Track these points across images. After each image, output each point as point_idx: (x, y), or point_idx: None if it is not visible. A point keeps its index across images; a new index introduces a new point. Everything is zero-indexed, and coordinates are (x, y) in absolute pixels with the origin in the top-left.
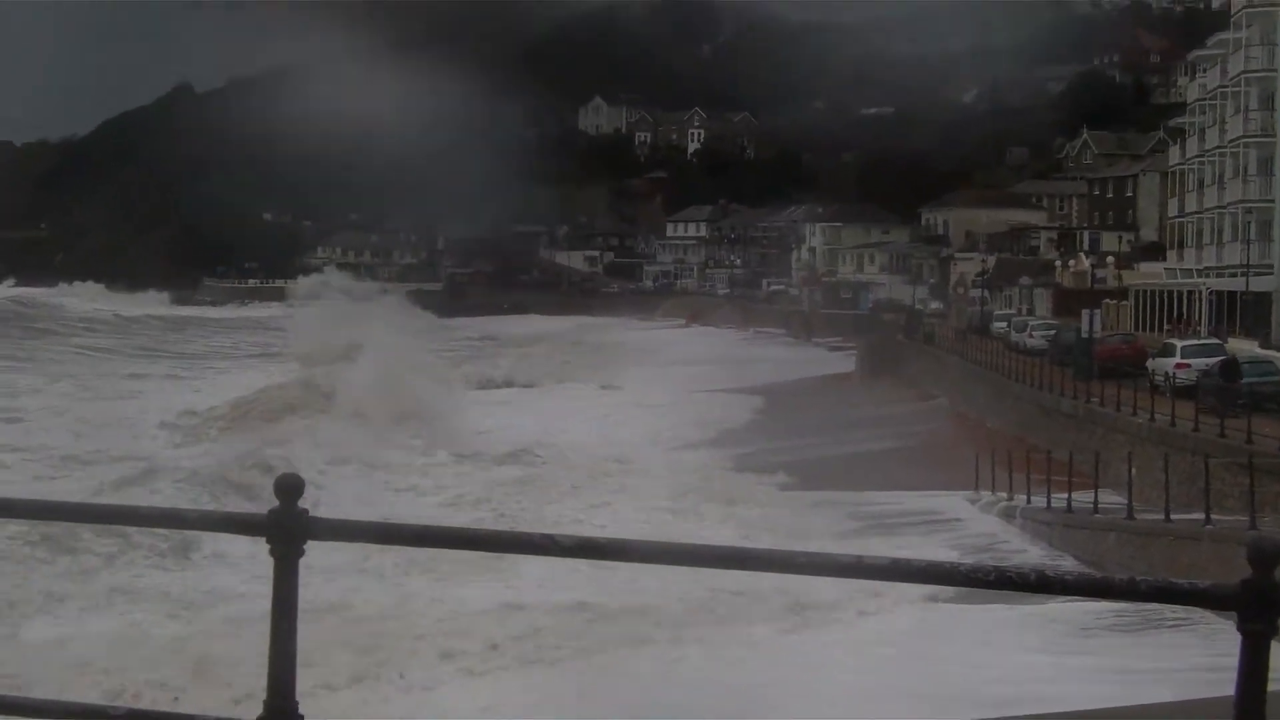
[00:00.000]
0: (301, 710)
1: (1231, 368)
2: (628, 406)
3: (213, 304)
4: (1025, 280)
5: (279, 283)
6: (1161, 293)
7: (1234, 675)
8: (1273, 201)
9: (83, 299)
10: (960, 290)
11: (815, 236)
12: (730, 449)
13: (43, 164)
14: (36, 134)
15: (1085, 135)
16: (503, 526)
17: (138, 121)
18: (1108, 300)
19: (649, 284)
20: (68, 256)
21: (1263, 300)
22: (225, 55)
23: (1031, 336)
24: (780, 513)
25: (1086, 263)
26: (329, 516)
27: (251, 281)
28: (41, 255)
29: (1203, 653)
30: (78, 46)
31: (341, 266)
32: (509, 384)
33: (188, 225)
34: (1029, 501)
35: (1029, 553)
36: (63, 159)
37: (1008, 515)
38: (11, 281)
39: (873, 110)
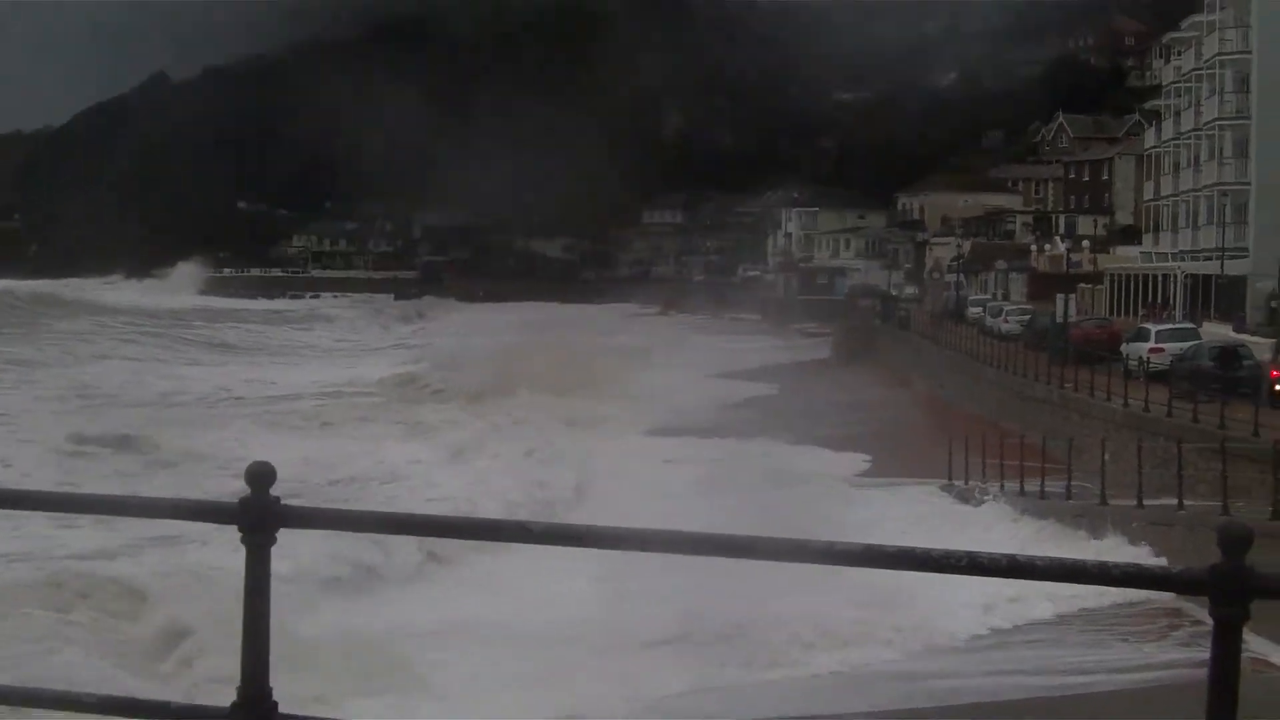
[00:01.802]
0: (275, 697)
1: (1230, 356)
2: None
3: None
4: (1001, 265)
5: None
6: (1136, 277)
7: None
8: (1248, 184)
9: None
10: (936, 275)
11: (791, 222)
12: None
13: (17, 155)
14: (10, 125)
15: (1060, 119)
16: None
17: (113, 111)
18: (1083, 285)
19: (624, 271)
20: (43, 248)
21: (1237, 284)
22: (201, 45)
23: (1006, 321)
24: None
25: (1062, 247)
26: (300, 504)
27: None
28: (16, 246)
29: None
30: (51, 36)
31: (317, 255)
32: None
33: (162, 215)
34: (1002, 488)
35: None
36: (38, 149)
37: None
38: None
39: (849, 95)
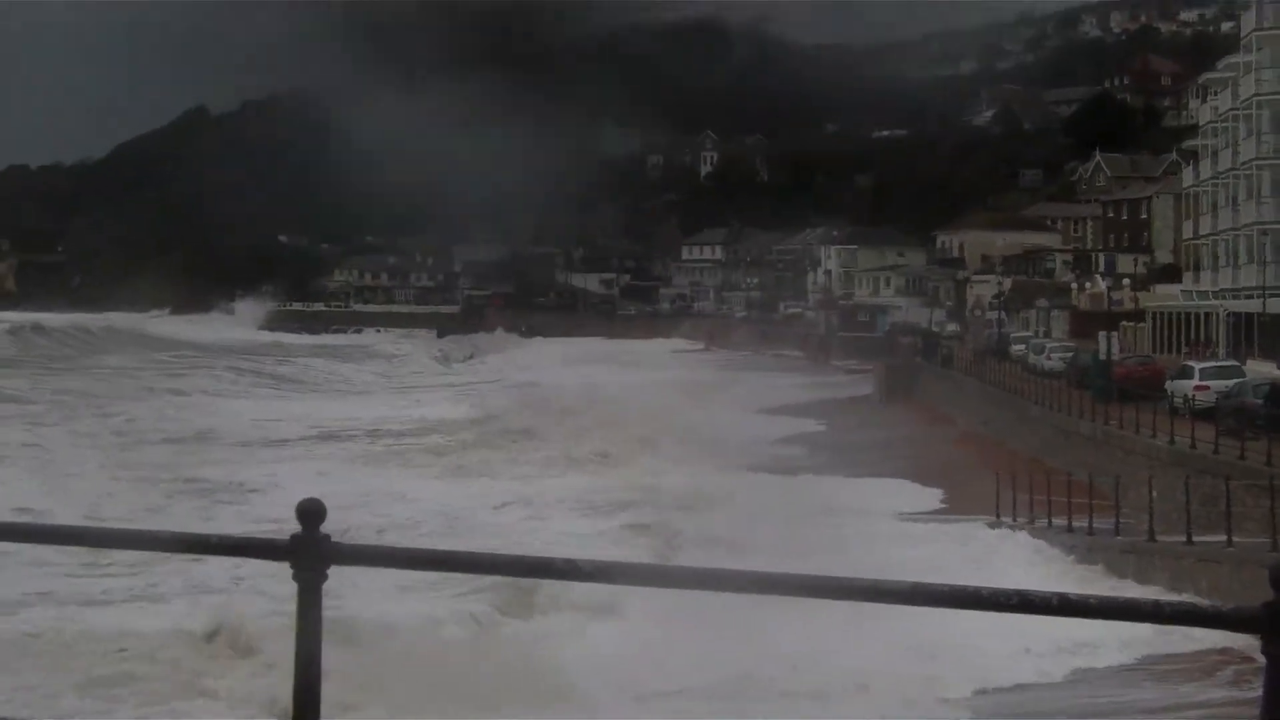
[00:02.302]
0: None
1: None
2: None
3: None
4: (1042, 303)
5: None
6: (1178, 315)
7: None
8: None
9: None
10: (977, 313)
11: (831, 259)
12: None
13: (57, 187)
14: (51, 157)
15: (1098, 157)
16: None
17: (153, 144)
18: (1125, 322)
19: (666, 306)
20: (85, 280)
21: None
22: (240, 78)
23: (1049, 359)
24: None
25: (1103, 285)
26: (351, 542)
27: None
28: (58, 279)
29: None
30: (93, 69)
31: (358, 289)
32: None
33: (203, 248)
34: (1050, 525)
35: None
36: (78, 182)
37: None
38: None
39: (886, 132)
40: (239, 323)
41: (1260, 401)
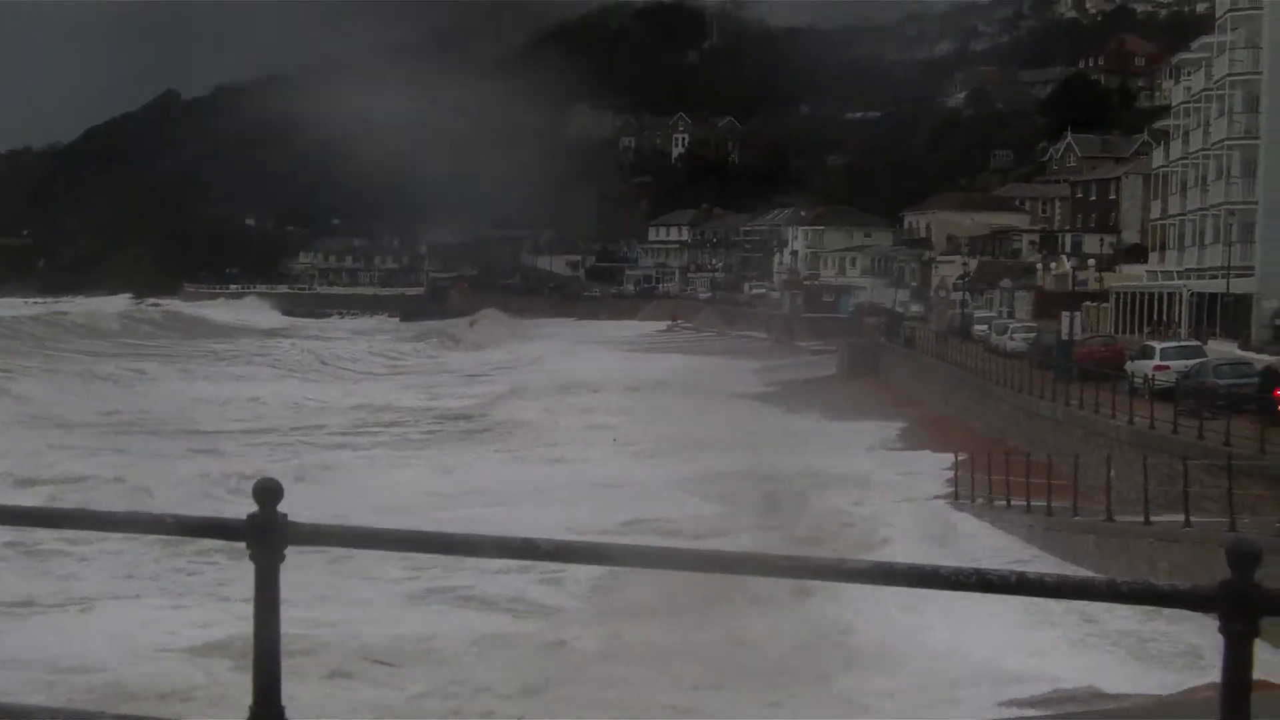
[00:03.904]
0: (287, 715)
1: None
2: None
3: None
4: (1006, 283)
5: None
6: (1142, 295)
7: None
8: (1255, 204)
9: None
10: (941, 293)
11: (798, 240)
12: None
13: (26, 171)
14: (20, 141)
15: (1069, 138)
16: None
17: (123, 128)
18: (1088, 303)
19: (630, 288)
20: (49, 264)
21: (1243, 302)
22: (212, 62)
23: (1012, 339)
24: None
25: (1068, 265)
26: (307, 520)
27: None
28: (26, 262)
29: None
30: (61, 53)
31: (324, 271)
32: None
33: (170, 232)
34: (1008, 504)
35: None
36: (47, 166)
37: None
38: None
39: (858, 114)
40: (248, 308)
41: (1221, 382)
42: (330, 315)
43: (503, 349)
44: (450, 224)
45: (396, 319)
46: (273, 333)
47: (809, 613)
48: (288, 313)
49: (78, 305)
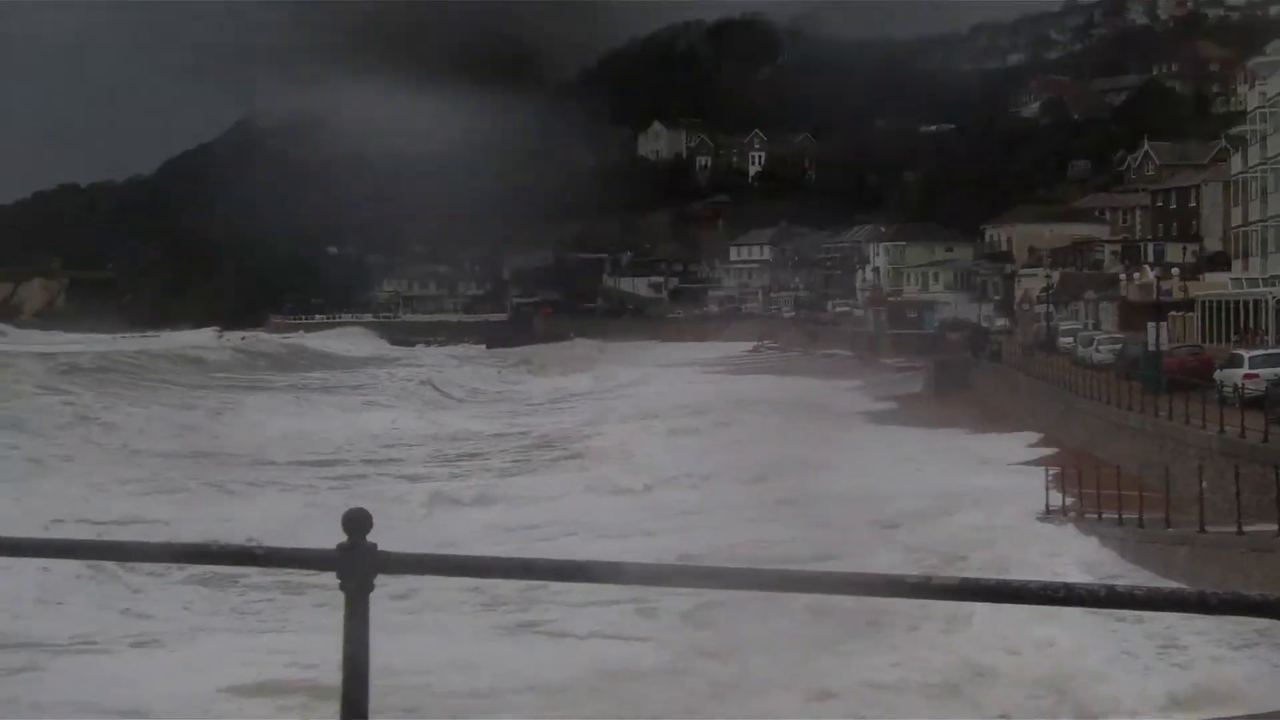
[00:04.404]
0: None
1: None
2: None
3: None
4: (1090, 294)
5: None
6: (1228, 303)
7: None
8: None
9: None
10: (1025, 306)
11: (879, 256)
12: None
13: (108, 204)
14: (102, 175)
15: (1146, 147)
16: None
17: (201, 159)
18: (1174, 312)
19: (714, 308)
20: (137, 298)
21: None
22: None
23: (1098, 351)
24: None
25: (1151, 275)
26: (398, 550)
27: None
28: (108, 297)
29: None
30: (141, 85)
31: (407, 299)
32: None
33: (253, 263)
34: (1100, 517)
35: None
36: (127, 199)
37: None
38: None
39: (934, 127)
40: (352, 338)
41: None
42: (416, 344)
43: (590, 374)
44: (533, 249)
45: (482, 346)
46: (381, 361)
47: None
48: (396, 342)
49: (165, 340)
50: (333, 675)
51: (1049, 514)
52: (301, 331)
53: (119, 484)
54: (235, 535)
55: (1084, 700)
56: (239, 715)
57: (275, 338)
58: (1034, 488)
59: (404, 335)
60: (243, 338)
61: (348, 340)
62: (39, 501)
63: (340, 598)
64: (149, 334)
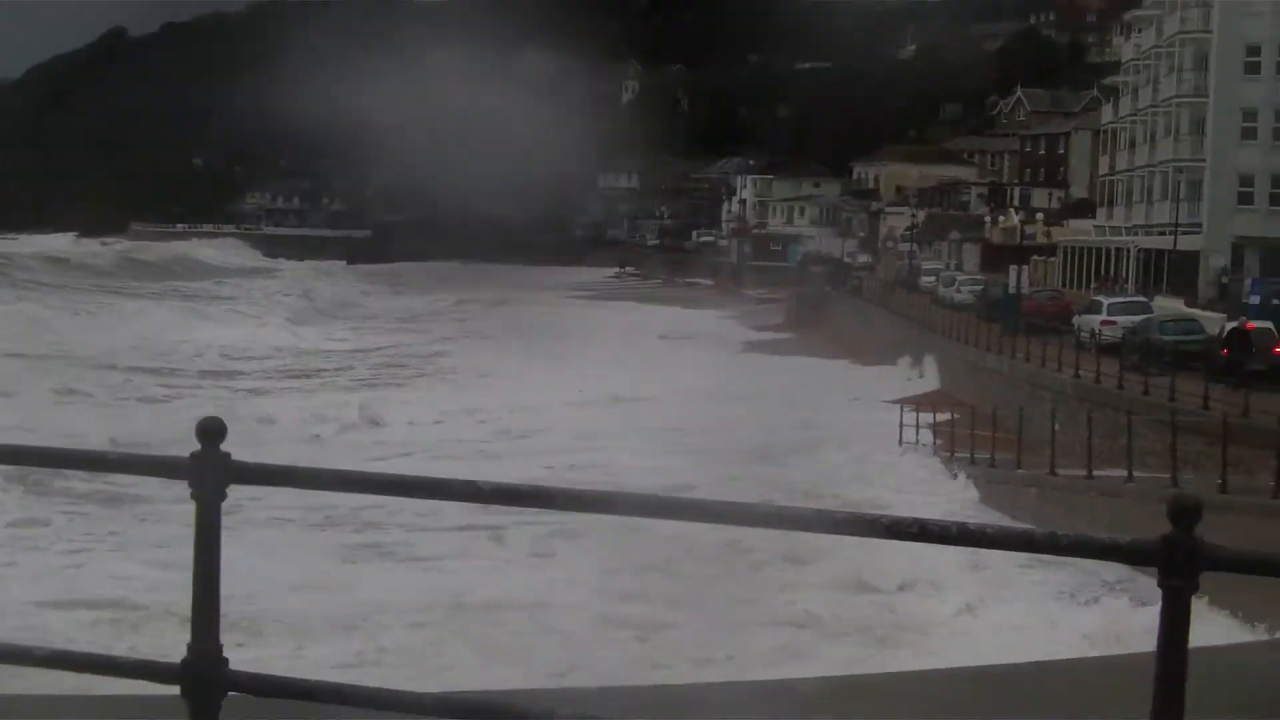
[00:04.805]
0: (226, 654)
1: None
2: None
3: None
4: (954, 235)
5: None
6: (1090, 250)
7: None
8: (1203, 161)
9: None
10: (889, 244)
11: (746, 189)
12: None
13: None
14: None
15: (1019, 93)
16: None
17: (69, 66)
18: (1036, 257)
19: (578, 234)
20: None
21: (1190, 259)
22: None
23: (959, 291)
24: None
25: (1016, 219)
26: (252, 460)
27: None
28: None
29: None
30: None
31: (270, 212)
32: None
33: (117, 170)
34: (952, 455)
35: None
36: None
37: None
38: None
39: (809, 65)
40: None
41: (1166, 338)
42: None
43: (453, 294)
44: (398, 167)
45: (343, 262)
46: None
47: None
48: (269, 254)
49: (24, 244)
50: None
51: (905, 448)
52: (172, 240)
53: None
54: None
55: None
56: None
57: (141, 244)
58: (891, 422)
59: (273, 248)
60: (103, 243)
61: (228, 251)
62: None
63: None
64: (7, 236)
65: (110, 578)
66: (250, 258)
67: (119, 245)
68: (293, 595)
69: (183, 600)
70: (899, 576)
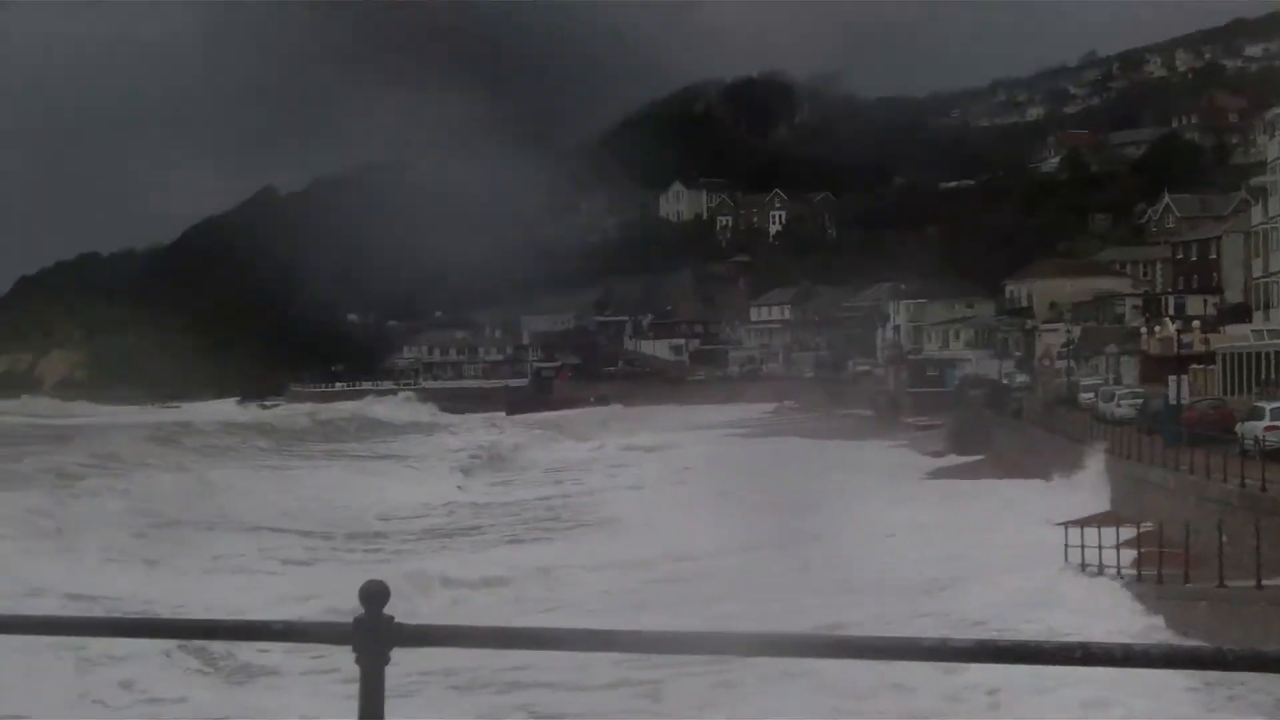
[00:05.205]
0: None
1: None
2: None
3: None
4: (1111, 349)
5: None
6: (1249, 355)
7: None
8: None
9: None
10: (1046, 362)
11: (899, 314)
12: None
13: (129, 274)
14: (123, 243)
15: (1167, 199)
16: None
17: (221, 227)
18: (1195, 365)
19: (735, 369)
20: (153, 367)
21: None
22: (308, 156)
23: (1119, 405)
24: None
25: (1172, 328)
26: (414, 623)
27: (359, 383)
28: (130, 367)
29: None
30: (160, 154)
31: (428, 365)
32: None
33: (273, 331)
34: (1119, 573)
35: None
36: (148, 268)
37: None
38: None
39: (953, 184)
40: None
41: None
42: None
43: (613, 438)
44: (552, 312)
45: (502, 412)
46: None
47: None
48: (444, 409)
49: (188, 411)
50: None
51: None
52: (332, 400)
53: None
54: None
55: None
56: None
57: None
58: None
59: (452, 403)
60: (262, 406)
61: (407, 409)
62: None
63: None
64: (170, 405)
65: None
66: (426, 413)
67: (279, 409)
68: None
69: None
70: None
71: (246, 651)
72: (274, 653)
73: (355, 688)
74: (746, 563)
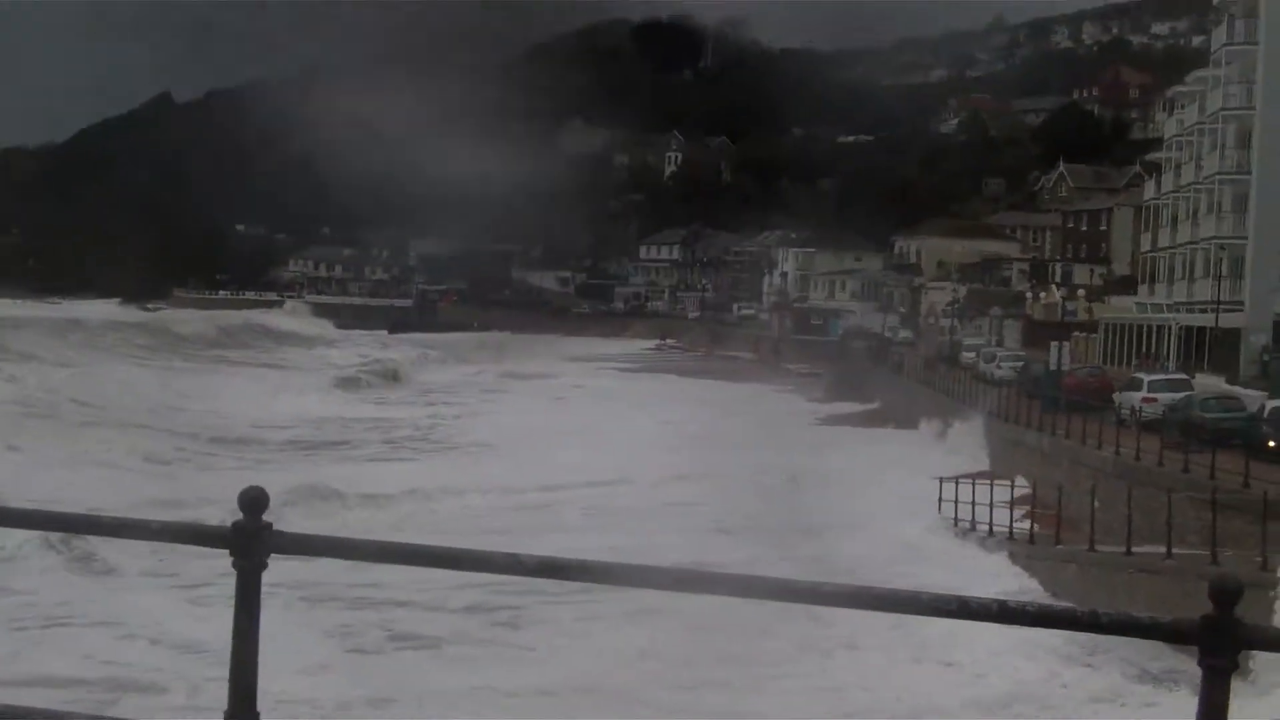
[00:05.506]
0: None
1: None
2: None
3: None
4: (996, 311)
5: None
6: (1131, 326)
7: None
8: (1245, 238)
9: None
10: (930, 319)
11: (788, 262)
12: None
13: (18, 171)
14: (14, 140)
15: (1062, 168)
16: None
17: (116, 130)
18: (1077, 333)
19: (620, 305)
20: (37, 263)
21: (1231, 336)
22: (205, 67)
23: (999, 367)
24: None
25: (1057, 295)
26: (291, 530)
27: (243, 292)
28: (15, 261)
29: None
30: (56, 53)
31: (313, 280)
32: None
33: (160, 236)
34: (991, 531)
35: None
36: (39, 166)
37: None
38: None
39: (851, 138)
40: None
41: (1208, 416)
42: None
43: (492, 364)
44: (441, 236)
45: (384, 331)
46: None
47: None
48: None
49: (67, 309)
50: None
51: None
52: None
53: None
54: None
55: None
56: None
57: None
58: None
59: (336, 318)
60: (143, 309)
61: (293, 321)
62: None
63: None
64: (51, 300)
65: None
66: (312, 326)
67: (162, 313)
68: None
69: None
70: None
71: (93, 545)
72: (116, 552)
73: (193, 592)
74: (615, 495)
